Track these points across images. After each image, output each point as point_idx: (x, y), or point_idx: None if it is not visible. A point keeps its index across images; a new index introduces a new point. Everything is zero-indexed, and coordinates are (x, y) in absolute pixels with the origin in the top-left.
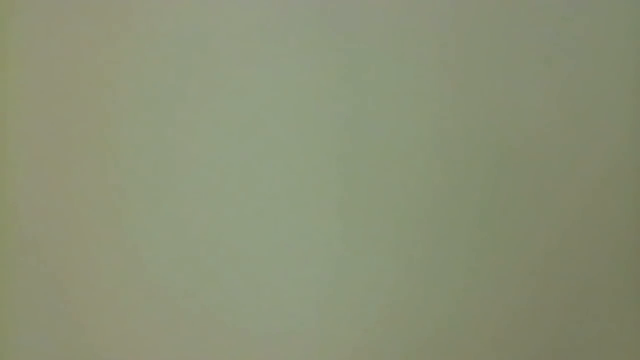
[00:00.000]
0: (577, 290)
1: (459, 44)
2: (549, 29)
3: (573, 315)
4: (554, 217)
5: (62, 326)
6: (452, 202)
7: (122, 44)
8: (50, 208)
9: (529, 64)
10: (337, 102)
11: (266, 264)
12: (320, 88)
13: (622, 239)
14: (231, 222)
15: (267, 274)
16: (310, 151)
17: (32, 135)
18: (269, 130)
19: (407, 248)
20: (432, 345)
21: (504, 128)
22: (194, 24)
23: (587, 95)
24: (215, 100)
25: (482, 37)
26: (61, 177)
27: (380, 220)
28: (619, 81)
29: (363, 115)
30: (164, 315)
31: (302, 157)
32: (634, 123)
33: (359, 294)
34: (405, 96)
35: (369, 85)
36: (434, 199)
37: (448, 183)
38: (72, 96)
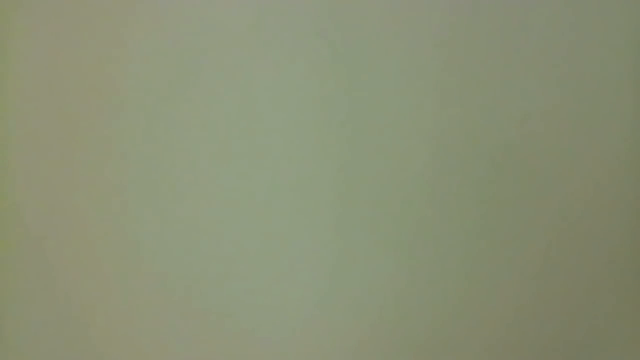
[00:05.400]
0: (577, 290)
1: (459, 44)
2: (549, 29)
3: (573, 315)
4: (554, 217)
5: (62, 326)
6: (451, 202)
7: (122, 43)
8: (51, 207)
9: (529, 64)
10: (336, 103)
11: (265, 264)
12: (319, 88)
13: (622, 239)
14: (230, 223)
15: (266, 273)
16: (309, 151)
17: (33, 135)
18: (268, 131)
19: (407, 249)
20: (431, 345)
21: (504, 128)
22: (194, 24)
23: (587, 95)
24: (215, 101)
25: (482, 38)
26: (62, 177)
27: (379, 221)
28: (619, 81)
29: (362, 116)
30: (163, 315)
31: (301, 158)
32: (634, 123)
33: (358, 295)
34: (404, 97)
35: (367, 85)
36: (433, 199)
37: (447, 183)
38: (72, 95)
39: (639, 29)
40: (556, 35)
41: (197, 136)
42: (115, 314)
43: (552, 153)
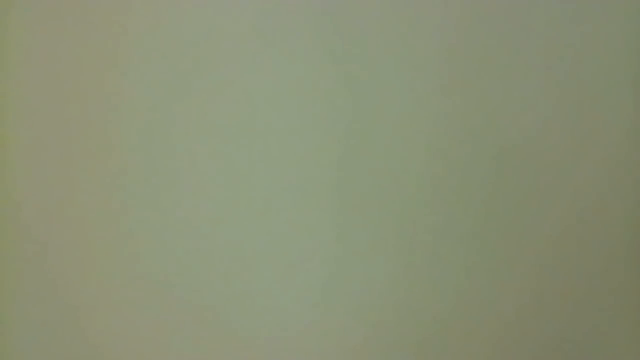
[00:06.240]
0: (577, 290)
1: (459, 44)
2: (549, 29)
3: (573, 315)
4: (554, 217)
5: (62, 326)
6: (451, 202)
7: (122, 43)
8: (51, 207)
9: (529, 64)
10: (336, 103)
11: (264, 264)
12: (319, 88)
13: (622, 239)
14: (230, 223)
15: (266, 274)
16: (309, 151)
17: (33, 135)
18: (268, 131)
19: (406, 249)
20: (431, 345)
21: (504, 128)
22: (194, 24)
23: (587, 95)
24: (215, 101)
25: (482, 38)
26: (62, 177)
27: (379, 221)
28: (619, 81)
29: (362, 116)
30: (163, 316)
31: (301, 158)
32: (634, 123)
33: (358, 295)
34: (405, 97)
35: (368, 85)
36: (433, 199)
37: (447, 183)
38: (72, 95)
39: (639, 29)
40: (557, 36)
41: (197, 136)
42: (115, 314)
43: (552, 153)
